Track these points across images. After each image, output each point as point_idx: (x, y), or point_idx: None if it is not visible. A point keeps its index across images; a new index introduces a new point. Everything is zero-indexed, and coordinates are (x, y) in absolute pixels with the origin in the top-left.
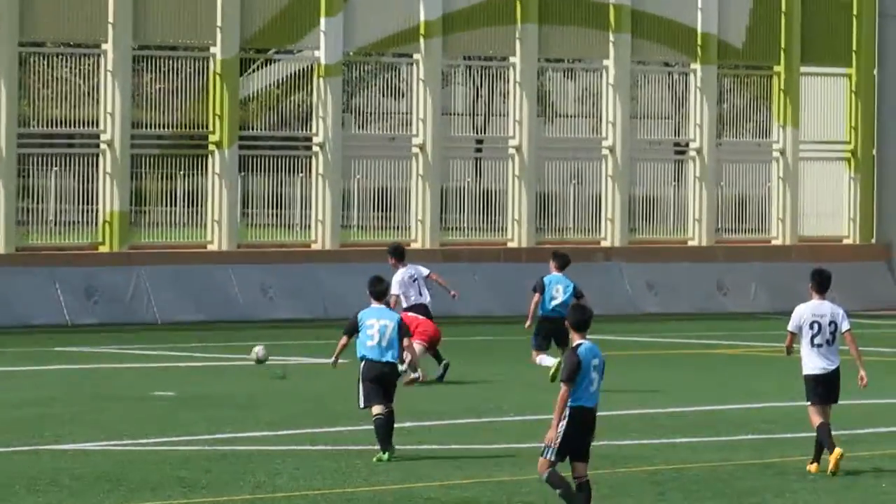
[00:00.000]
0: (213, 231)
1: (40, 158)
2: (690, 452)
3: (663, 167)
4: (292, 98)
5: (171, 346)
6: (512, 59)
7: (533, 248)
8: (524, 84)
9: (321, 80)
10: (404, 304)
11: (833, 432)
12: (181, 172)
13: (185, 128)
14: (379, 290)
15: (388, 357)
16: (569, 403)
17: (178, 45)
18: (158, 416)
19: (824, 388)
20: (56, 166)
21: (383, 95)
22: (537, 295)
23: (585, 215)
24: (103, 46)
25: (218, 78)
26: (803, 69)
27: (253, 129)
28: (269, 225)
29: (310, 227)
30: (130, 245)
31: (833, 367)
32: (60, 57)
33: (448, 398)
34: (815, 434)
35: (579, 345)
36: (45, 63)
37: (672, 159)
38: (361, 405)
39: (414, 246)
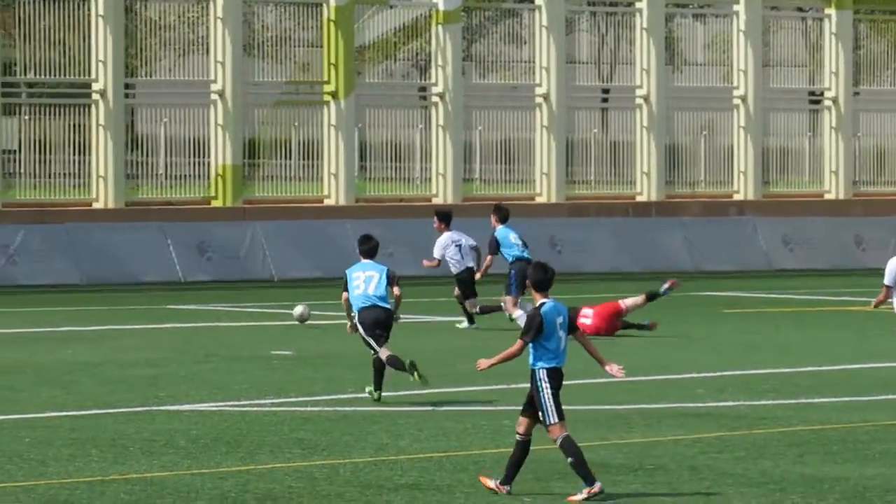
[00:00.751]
0: (329, 185)
1: (150, 110)
2: (829, 413)
3: (797, 117)
4: (410, 46)
5: (287, 304)
6: (638, 5)
7: (663, 201)
8: (651, 31)
9: (439, 27)
10: (453, 270)
11: None
12: (295, 124)
13: (299, 77)
14: (367, 248)
15: (376, 301)
16: (544, 366)
17: None
18: (276, 375)
19: None
20: (166, 118)
21: (504, 43)
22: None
23: (717, 168)
24: None
25: (332, 25)
26: None
27: (369, 79)
28: (387, 178)
29: (430, 180)
30: (244, 199)
31: None
32: (165, 4)
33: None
34: None
35: (542, 304)
36: (151, 10)
37: (807, 109)
38: (373, 353)
39: (539, 200)
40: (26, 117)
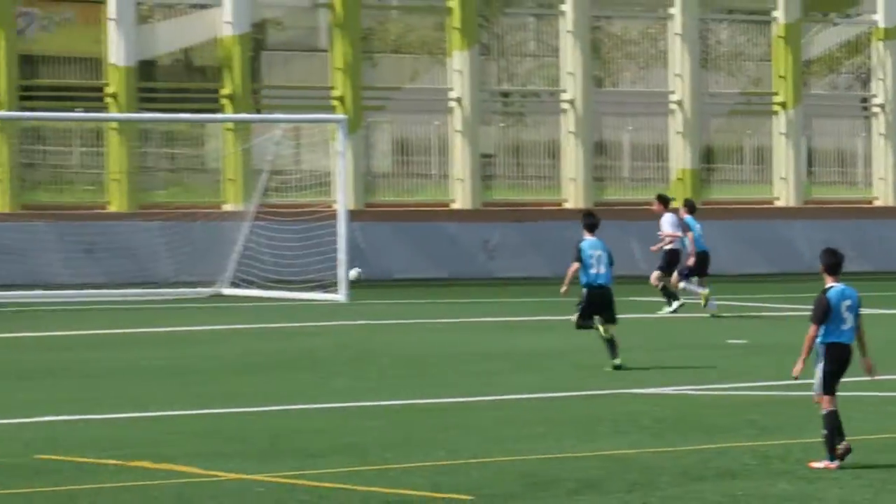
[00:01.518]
0: (779, 188)
1: (616, 119)
2: None
3: None
4: (852, 60)
5: (743, 297)
6: None
7: None
8: None
9: (880, 43)
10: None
11: None
12: (748, 132)
13: (750, 89)
14: (591, 223)
15: (602, 280)
16: (823, 341)
17: (741, 9)
18: (729, 362)
19: None
20: (630, 125)
21: None
22: None
23: None
24: (671, 11)
25: (781, 41)
26: None
27: (815, 91)
28: (833, 182)
29: (871, 184)
30: (702, 201)
31: None
32: (628, 21)
33: None
34: None
35: (829, 287)
36: (615, 26)
37: None
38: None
39: None
40: (502, 125)
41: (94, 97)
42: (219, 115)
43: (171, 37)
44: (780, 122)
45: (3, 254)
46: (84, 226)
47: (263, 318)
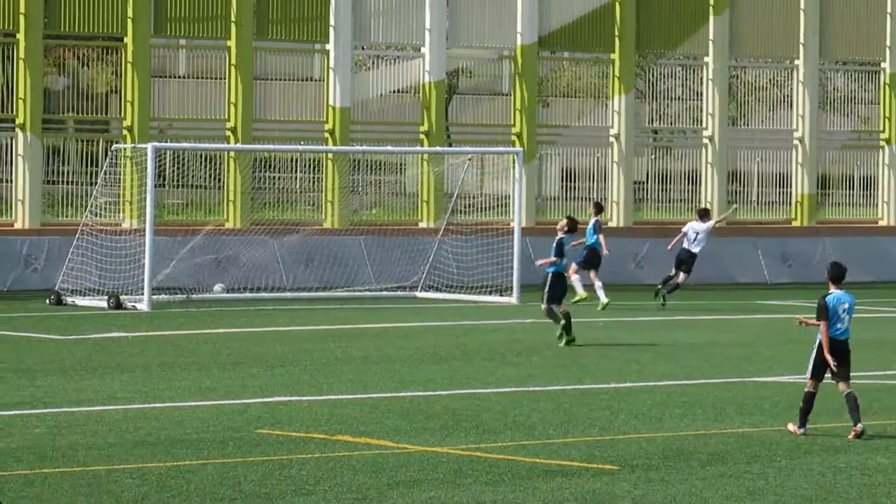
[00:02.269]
0: (882, 209)
1: (747, 152)
2: None
3: None
4: None
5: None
6: None
7: None
8: None
9: None
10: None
11: None
12: (858, 163)
13: (860, 127)
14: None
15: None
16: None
17: (854, 60)
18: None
19: None
20: (758, 157)
21: None
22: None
23: None
24: (795, 62)
25: (887, 88)
26: None
27: None
28: None
29: None
30: (817, 220)
31: None
32: (758, 70)
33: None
34: None
35: (829, 293)
36: (749, 74)
37: None
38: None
39: None
40: (652, 156)
41: (315, 132)
42: (417, 148)
43: (380, 82)
44: (884, 156)
45: (234, 263)
46: (308, 240)
47: (449, 317)
